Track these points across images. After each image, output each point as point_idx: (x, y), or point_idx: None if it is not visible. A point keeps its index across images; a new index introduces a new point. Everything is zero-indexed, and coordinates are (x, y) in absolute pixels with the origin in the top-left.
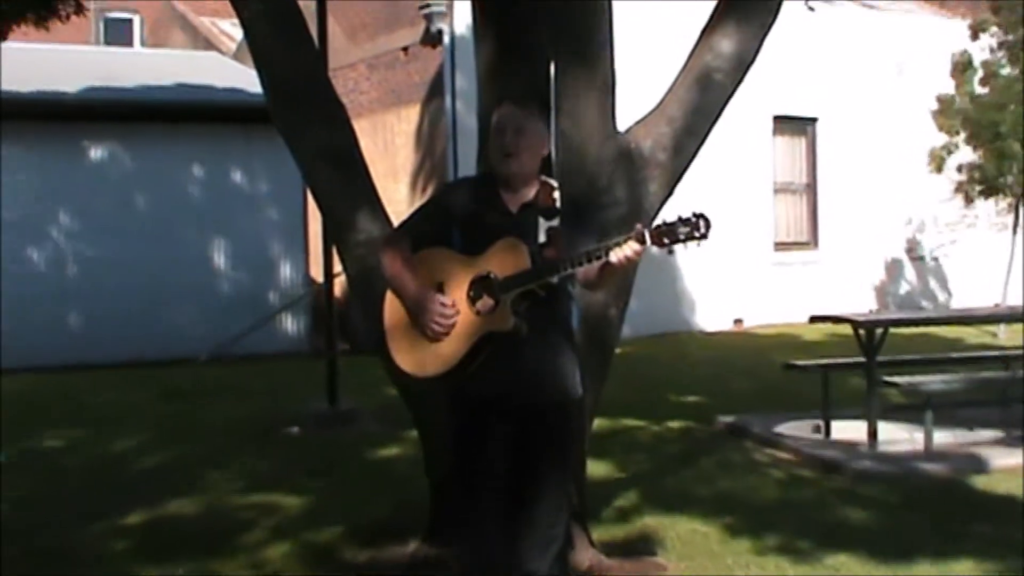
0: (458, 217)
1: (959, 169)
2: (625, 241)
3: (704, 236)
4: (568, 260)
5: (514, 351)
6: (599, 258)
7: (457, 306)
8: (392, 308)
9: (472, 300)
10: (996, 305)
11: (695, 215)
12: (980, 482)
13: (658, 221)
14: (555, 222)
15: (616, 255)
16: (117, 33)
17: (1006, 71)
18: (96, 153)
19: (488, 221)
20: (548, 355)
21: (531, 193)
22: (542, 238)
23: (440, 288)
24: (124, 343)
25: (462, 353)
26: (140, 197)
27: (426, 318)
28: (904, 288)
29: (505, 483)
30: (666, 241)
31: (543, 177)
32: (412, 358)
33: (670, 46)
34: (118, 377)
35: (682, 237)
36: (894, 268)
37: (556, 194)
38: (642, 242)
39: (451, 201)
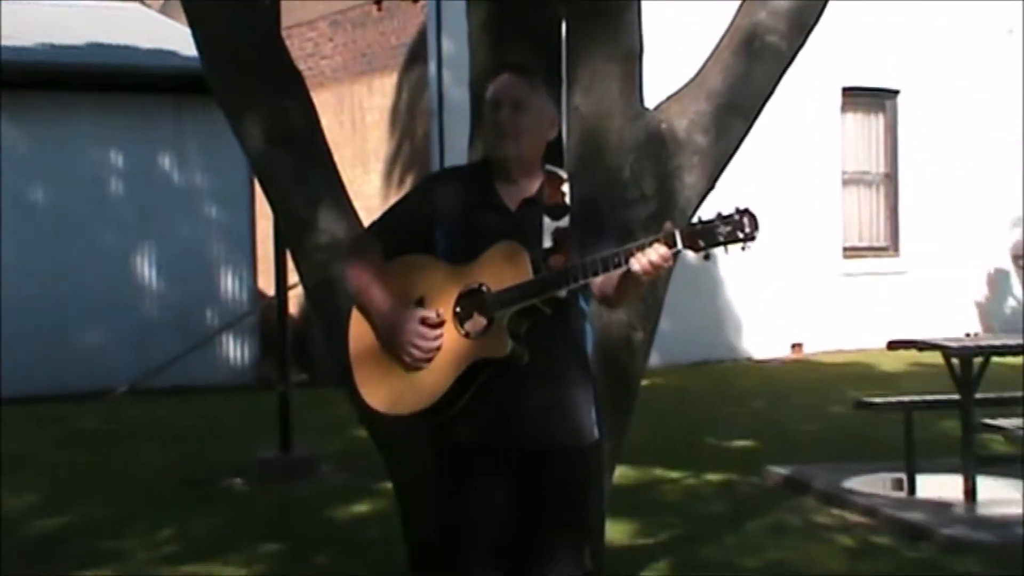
0: (444, 216)
1: None
2: (651, 244)
3: (750, 237)
4: (580, 269)
5: (513, 383)
6: (618, 265)
7: (443, 330)
8: (359, 330)
9: (460, 319)
10: None
11: (738, 211)
12: None
13: (693, 220)
14: (564, 222)
15: (639, 262)
16: None
17: None
18: None
19: (481, 221)
20: (556, 388)
21: (534, 186)
22: (547, 242)
23: (420, 304)
24: (19, 372)
25: (447, 385)
26: (40, 188)
27: (402, 340)
28: (1010, 306)
29: (503, 551)
30: (702, 243)
31: (549, 167)
32: (384, 392)
33: (713, 1)
34: (11, 415)
35: (722, 239)
36: (998, 281)
37: (565, 187)
38: (672, 245)
39: (435, 196)
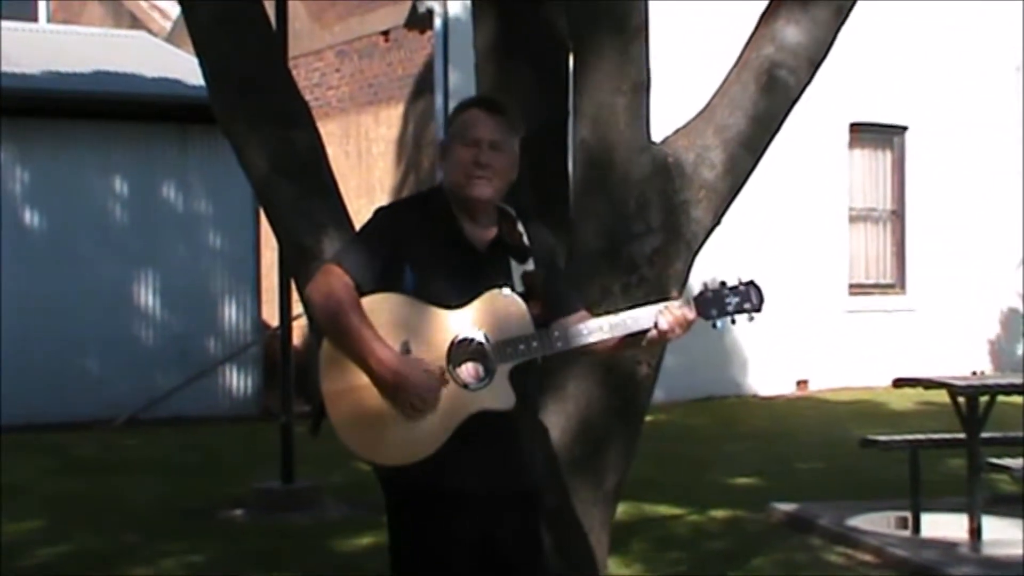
0: (410, 251)
1: None
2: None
3: (757, 309)
4: (594, 327)
5: (499, 430)
6: (634, 324)
7: (445, 381)
8: (332, 363)
9: (452, 368)
10: None
11: (743, 284)
12: None
13: (700, 288)
14: (529, 265)
15: (665, 320)
16: (17, 4)
17: None
18: None
19: (452, 260)
20: (532, 431)
21: (492, 224)
22: (518, 287)
23: (405, 349)
24: (17, 401)
25: (445, 437)
26: (42, 215)
27: (407, 390)
28: (1021, 346)
29: None
30: (714, 313)
31: (498, 204)
32: (369, 437)
33: (720, 34)
34: (11, 443)
35: (731, 309)
36: (1008, 319)
37: (520, 227)
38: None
39: (398, 230)
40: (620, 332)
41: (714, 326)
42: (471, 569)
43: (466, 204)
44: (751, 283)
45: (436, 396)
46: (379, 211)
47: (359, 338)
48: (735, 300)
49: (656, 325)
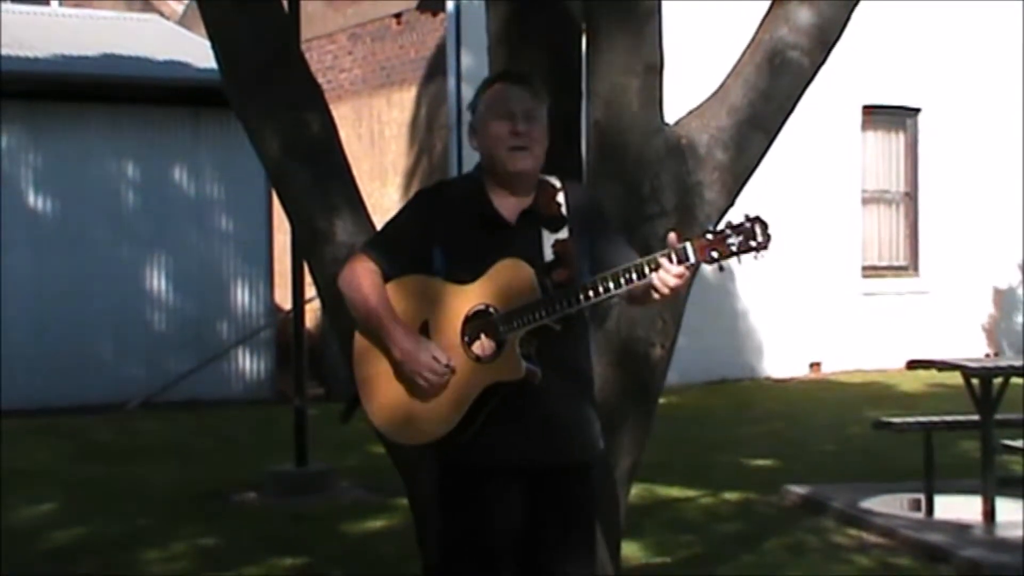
0: (441, 232)
1: None
2: (662, 257)
3: (763, 246)
4: (591, 287)
5: (526, 402)
6: (629, 281)
7: (451, 356)
8: (364, 351)
9: (467, 342)
10: None
11: (749, 219)
12: None
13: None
14: (563, 234)
15: (659, 282)
16: None
17: None
18: None
19: (480, 236)
20: (569, 402)
21: (530, 197)
22: (548, 255)
23: (425, 328)
24: (31, 385)
25: (461, 413)
26: (54, 199)
27: (415, 369)
28: (1019, 321)
29: (516, 569)
30: (715, 255)
31: (541, 176)
32: (394, 418)
33: (733, 15)
34: (22, 428)
35: (735, 248)
36: (1005, 299)
37: (560, 197)
38: (685, 259)
39: (431, 212)
40: (618, 288)
41: (720, 269)
42: (501, 546)
43: (507, 178)
44: (756, 218)
45: (442, 373)
46: (417, 193)
47: (378, 322)
48: (739, 239)
49: (654, 286)
